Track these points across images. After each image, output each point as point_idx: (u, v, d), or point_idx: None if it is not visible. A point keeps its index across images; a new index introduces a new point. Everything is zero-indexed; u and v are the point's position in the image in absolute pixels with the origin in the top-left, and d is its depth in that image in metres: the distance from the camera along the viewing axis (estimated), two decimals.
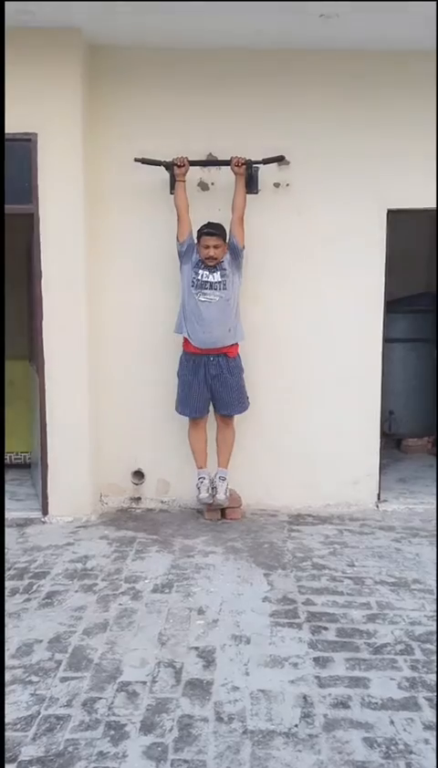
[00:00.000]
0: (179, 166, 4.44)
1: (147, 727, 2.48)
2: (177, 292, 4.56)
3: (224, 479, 4.56)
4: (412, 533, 4.43)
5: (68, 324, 4.54)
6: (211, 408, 4.61)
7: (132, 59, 4.65)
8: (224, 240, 4.41)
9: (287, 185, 4.75)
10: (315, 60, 4.65)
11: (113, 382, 4.84)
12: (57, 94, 4.38)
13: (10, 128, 4.29)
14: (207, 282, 4.38)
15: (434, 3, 3.82)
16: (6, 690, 2.71)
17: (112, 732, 2.46)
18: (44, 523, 4.61)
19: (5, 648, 3.00)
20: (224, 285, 4.39)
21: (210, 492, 4.52)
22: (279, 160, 4.57)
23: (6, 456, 5.81)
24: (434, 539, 4.30)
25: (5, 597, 3.48)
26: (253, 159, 4.48)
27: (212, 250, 4.34)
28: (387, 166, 4.72)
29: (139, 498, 4.93)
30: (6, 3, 3.84)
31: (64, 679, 2.78)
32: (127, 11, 4.04)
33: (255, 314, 4.74)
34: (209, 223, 4.41)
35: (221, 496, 4.53)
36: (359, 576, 3.75)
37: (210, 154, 4.67)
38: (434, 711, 2.56)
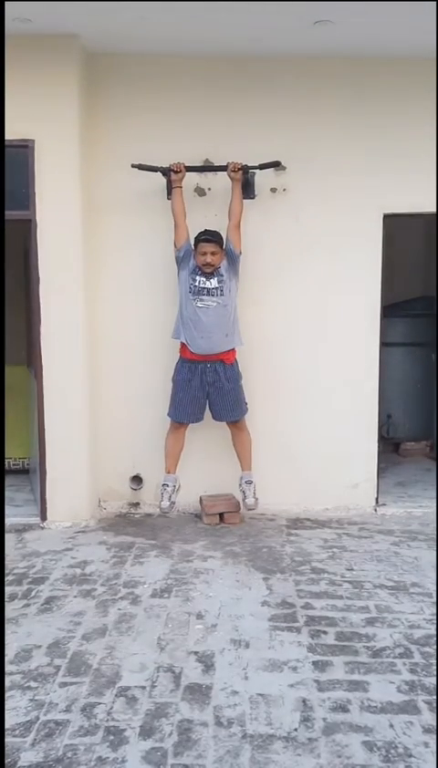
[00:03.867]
0: (175, 172, 4.45)
1: (146, 732, 2.48)
2: (175, 297, 4.57)
3: (251, 482, 4.59)
4: (411, 536, 4.43)
5: (67, 329, 4.55)
6: (206, 415, 4.60)
7: (129, 66, 4.67)
8: (221, 246, 4.42)
9: (284, 190, 4.77)
10: (311, 66, 4.67)
11: (111, 387, 4.85)
12: (54, 100, 4.40)
13: (8, 134, 4.30)
14: (204, 288, 4.39)
15: (434, 3, 3.83)
16: (5, 695, 2.70)
17: (111, 737, 2.45)
18: (42, 528, 4.60)
19: (5, 653, 3.00)
20: (222, 290, 4.40)
21: (171, 500, 4.55)
22: (276, 165, 4.59)
23: (5, 462, 5.80)
24: (433, 542, 4.30)
25: (5, 603, 3.48)
26: (249, 164, 4.50)
27: (209, 257, 4.35)
28: (383, 170, 4.74)
29: (137, 503, 4.93)
30: (6, 10, 3.85)
31: (63, 685, 2.78)
32: (124, 17, 4.06)
33: (253, 319, 4.75)
34: (206, 230, 4.42)
35: (250, 500, 4.56)
36: (357, 579, 3.75)
37: (206, 160, 4.69)
38: (434, 715, 2.56)
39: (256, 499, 4.58)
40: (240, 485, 4.61)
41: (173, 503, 4.58)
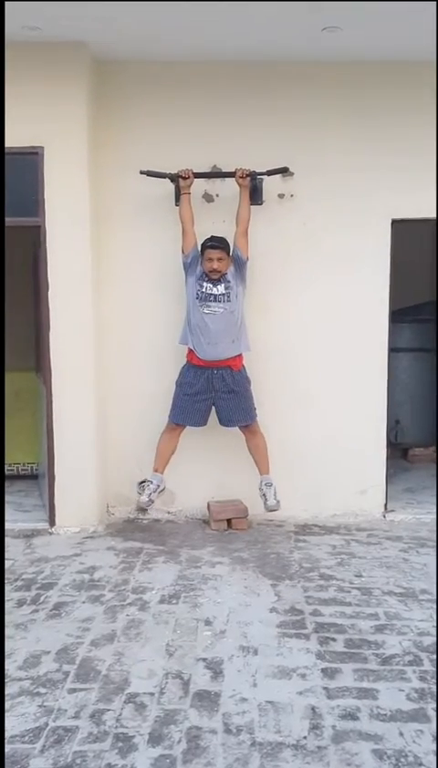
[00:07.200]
0: (184, 178, 4.47)
1: (155, 739, 2.48)
2: (183, 303, 4.58)
3: (271, 485, 4.54)
4: (420, 543, 4.41)
5: (75, 335, 4.57)
6: (214, 421, 4.59)
7: (138, 73, 4.70)
8: (228, 253, 4.42)
9: (292, 196, 4.77)
10: (318, 72, 4.68)
11: (119, 392, 4.86)
12: (63, 108, 4.42)
13: (17, 141, 4.34)
14: (211, 294, 4.39)
15: (434, 3, 3.83)
16: (14, 701, 2.71)
17: (120, 744, 2.45)
18: (51, 534, 4.61)
19: (13, 659, 3.00)
20: (228, 297, 4.40)
21: (151, 498, 4.47)
22: (283, 171, 4.60)
23: (13, 467, 5.83)
24: None
25: (13, 609, 3.48)
26: (257, 170, 4.51)
27: (215, 263, 4.36)
28: (391, 176, 4.74)
29: (145, 509, 4.93)
30: (15, 18, 3.87)
31: (72, 691, 2.78)
32: (132, 24, 4.09)
33: (261, 324, 4.75)
34: (212, 236, 4.43)
35: (271, 502, 4.51)
36: (366, 586, 3.74)
37: (214, 166, 4.70)
38: None
39: (278, 501, 4.51)
40: (260, 488, 4.56)
41: (152, 501, 4.51)
